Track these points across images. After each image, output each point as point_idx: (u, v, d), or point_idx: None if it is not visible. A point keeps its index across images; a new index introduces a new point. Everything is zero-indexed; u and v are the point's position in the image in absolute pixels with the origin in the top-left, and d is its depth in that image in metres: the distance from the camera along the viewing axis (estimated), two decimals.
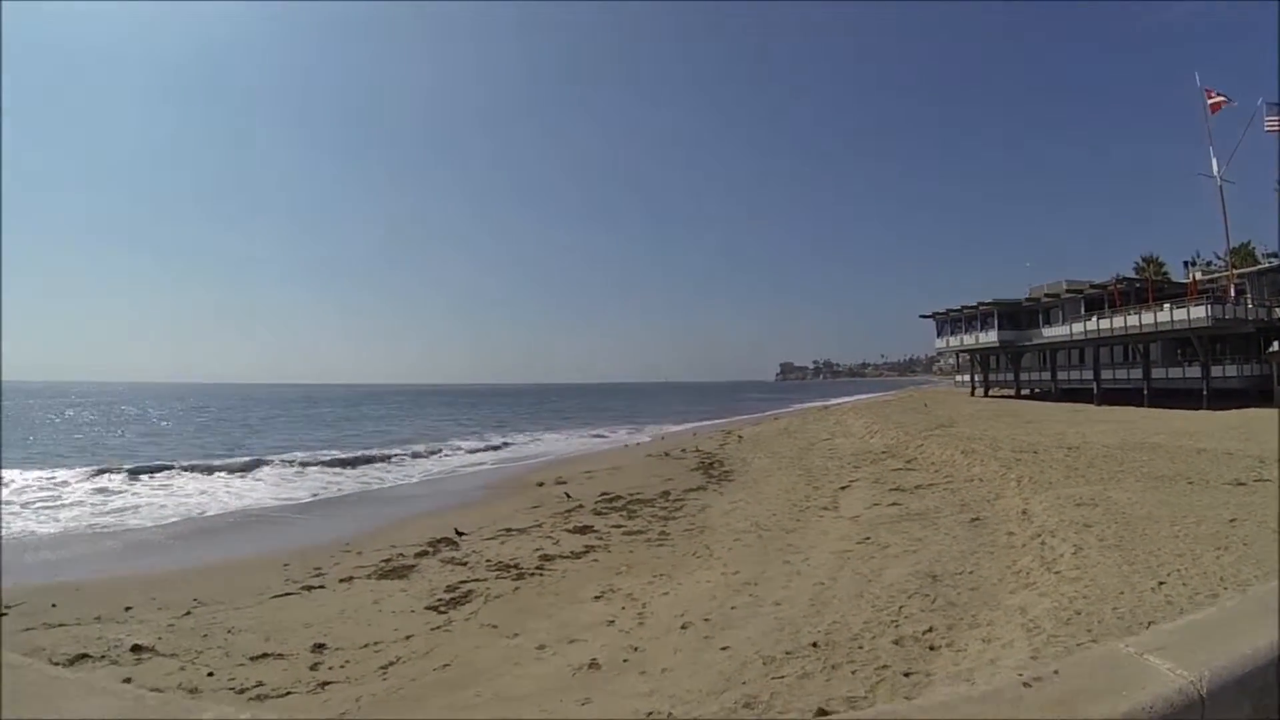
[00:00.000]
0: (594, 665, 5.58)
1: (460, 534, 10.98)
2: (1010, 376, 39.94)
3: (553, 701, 5.05)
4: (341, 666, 5.84)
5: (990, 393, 41.32)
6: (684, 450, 23.45)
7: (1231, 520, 8.02)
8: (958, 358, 48.16)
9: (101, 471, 19.40)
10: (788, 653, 5.36)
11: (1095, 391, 31.43)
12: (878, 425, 25.67)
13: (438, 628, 6.78)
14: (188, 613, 7.34)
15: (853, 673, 4.88)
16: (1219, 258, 41.94)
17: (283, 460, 22.60)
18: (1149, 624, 4.96)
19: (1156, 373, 28.89)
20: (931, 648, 5.31)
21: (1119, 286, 31.30)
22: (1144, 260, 45.94)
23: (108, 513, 14.50)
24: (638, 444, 29.69)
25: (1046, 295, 35.48)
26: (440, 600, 7.63)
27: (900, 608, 6.29)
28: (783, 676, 4.90)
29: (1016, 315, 37.49)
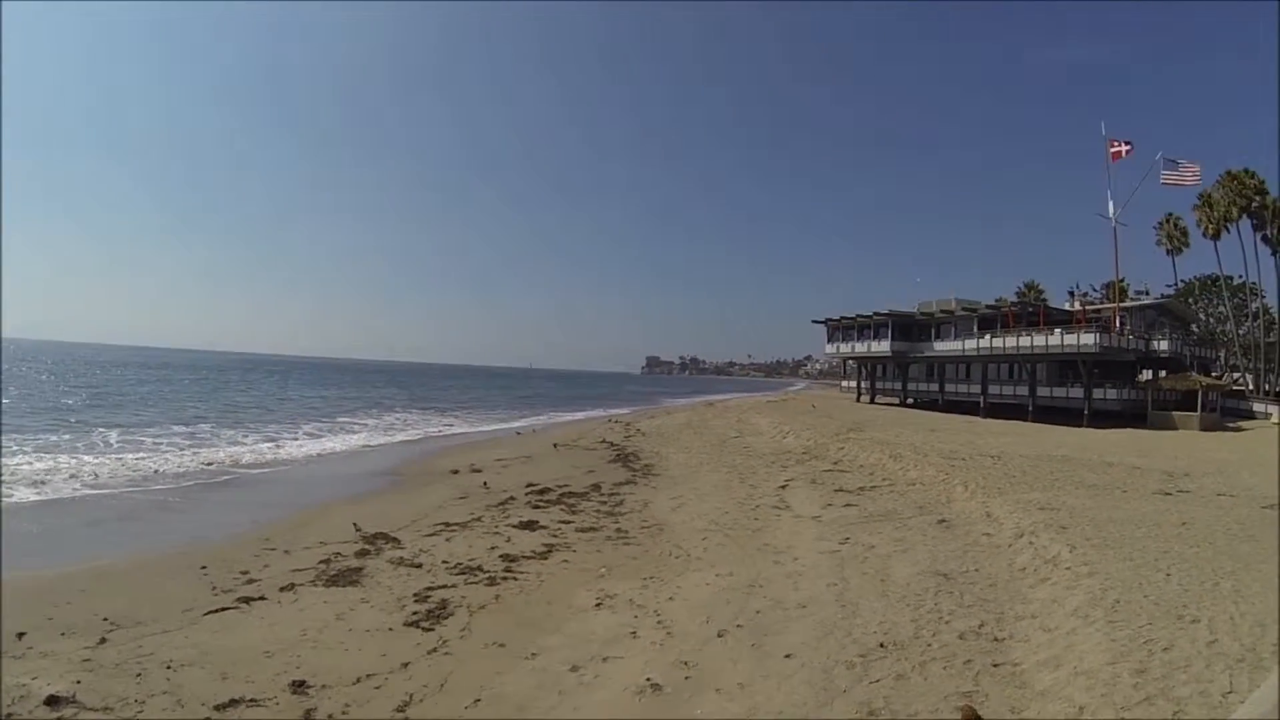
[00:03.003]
0: (654, 687, 5.19)
1: (357, 529, 10.17)
2: (896, 385, 43.81)
3: None
4: (343, 713, 4.85)
5: (876, 400, 44.98)
6: (591, 441, 23.67)
7: (1183, 524, 9.33)
8: (844, 364, 51.97)
9: None
10: (861, 656, 5.44)
11: (982, 405, 35.46)
12: (786, 425, 27.07)
13: (434, 650, 5.99)
14: (103, 639, 5.97)
15: (944, 668, 5.05)
16: (1094, 289, 48.99)
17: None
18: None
19: (1041, 391, 33.33)
20: (996, 639, 5.64)
21: (1012, 309, 35.57)
22: (1025, 286, 52.34)
23: None
24: (533, 431, 29.67)
25: (940, 311, 39.23)
26: (416, 614, 6.82)
27: (935, 605, 6.63)
28: (878, 680, 4.94)
29: (909, 327, 41.21)
